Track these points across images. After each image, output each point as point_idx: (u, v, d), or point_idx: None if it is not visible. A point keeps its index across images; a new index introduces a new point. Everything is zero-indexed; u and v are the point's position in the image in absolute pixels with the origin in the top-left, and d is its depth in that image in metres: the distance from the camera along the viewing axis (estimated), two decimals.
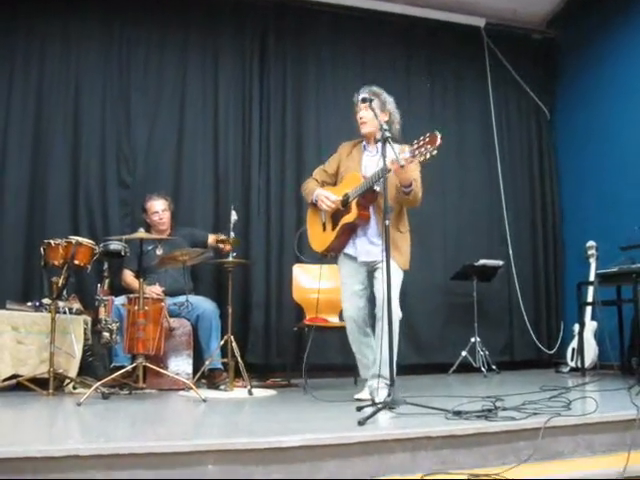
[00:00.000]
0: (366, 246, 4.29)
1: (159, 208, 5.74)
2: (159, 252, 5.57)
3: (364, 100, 4.17)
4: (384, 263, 3.61)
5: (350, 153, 4.48)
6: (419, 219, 6.88)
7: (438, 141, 3.64)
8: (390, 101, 4.41)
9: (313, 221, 4.57)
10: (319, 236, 4.49)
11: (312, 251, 4.70)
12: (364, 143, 4.47)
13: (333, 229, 4.35)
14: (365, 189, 4.10)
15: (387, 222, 3.62)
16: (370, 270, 4.35)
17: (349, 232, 4.33)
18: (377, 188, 4.07)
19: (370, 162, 4.33)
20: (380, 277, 4.07)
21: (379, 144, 4.10)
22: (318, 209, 4.47)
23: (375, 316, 4.25)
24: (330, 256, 4.49)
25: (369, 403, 3.68)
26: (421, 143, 3.73)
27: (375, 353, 4.12)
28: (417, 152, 3.74)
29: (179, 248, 5.28)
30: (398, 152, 3.78)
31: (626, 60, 6.71)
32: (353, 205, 4.21)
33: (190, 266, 5.51)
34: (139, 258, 4.81)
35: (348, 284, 4.37)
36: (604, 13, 7.05)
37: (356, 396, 4.30)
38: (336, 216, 4.34)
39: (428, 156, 3.70)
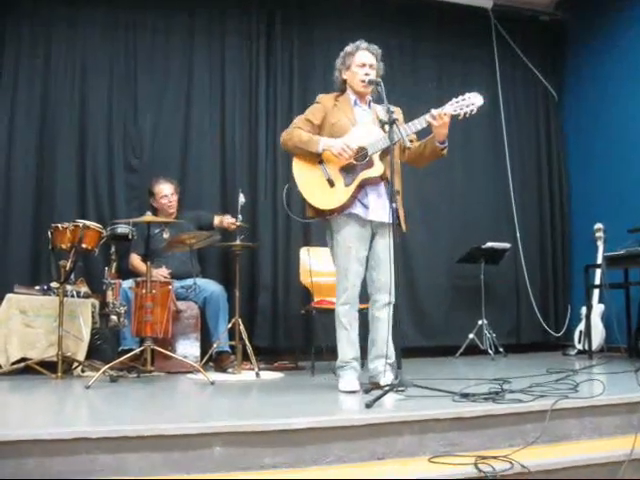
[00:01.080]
0: (377, 204, 3.97)
1: (168, 192, 5.74)
2: (166, 236, 5.57)
3: (372, 54, 4.17)
4: (390, 240, 3.61)
5: (335, 105, 4.15)
6: (426, 202, 6.93)
7: (481, 101, 3.82)
8: (381, 66, 4.26)
9: (312, 176, 4.04)
10: (326, 193, 3.97)
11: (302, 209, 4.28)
12: (355, 98, 4.17)
13: (347, 185, 3.95)
14: (390, 144, 3.73)
15: (394, 205, 3.60)
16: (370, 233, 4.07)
17: (361, 189, 3.96)
18: (409, 145, 3.81)
19: (364, 117, 4.13)
20: (382, 246, 3.99)
21: (371, 102, 4.20)
22: (316, 162, 4.04)
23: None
24: (331, 216, 4.01)
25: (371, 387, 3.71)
26: (461, 102, 3.82)
27: (375, 335, 4.02)
28: (459, 109, 3.82)
29: (186, 231, 5.29)
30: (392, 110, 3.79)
31: (635, 42, 6.66)
32: (376, 159, 3.93)
33: (197, 249, 5.51)
34: (146, 242, 4.83)
35: (354, 249, 3.96)
36: None
37: (342, 388, 3.88)
38: (349, 171, 3.97)
39: (468, 115, 3.83)
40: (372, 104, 4.20)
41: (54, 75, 6.04)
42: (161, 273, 5.31)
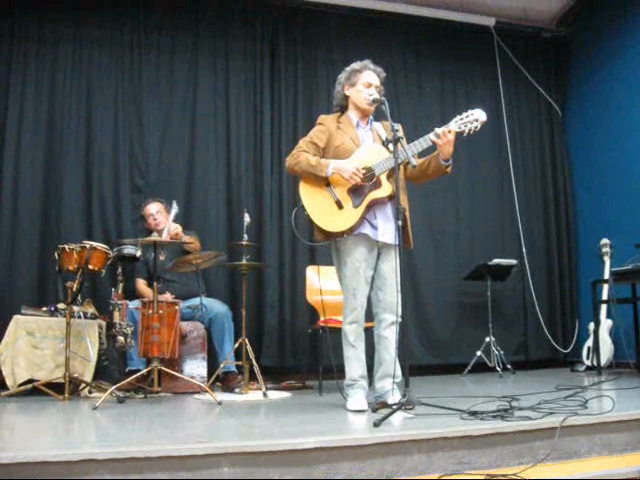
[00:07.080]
0: (386, 225, 3.96)
1: (153, 211, 5.75)
2: (162, 258, 5.52)
3: (377, 76, 4.17)
4: (397, 259, 3.64)
5: (338, 127, 4.13)
6: (432, 220, 6.94)
7: (485, 117, 3.83)
8: (382, 89, 4.24)
9: (320, 199, 4.00)
10: (335, 216, 3.94)
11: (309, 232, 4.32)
12: (357, 120, 4.16)
13: (356, 207, 3.92)
14: (396, 164, 3.67)
15: (400, 223, 3.59)
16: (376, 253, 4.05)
17: (369, 209, 3.94)
18: (415, 163, 3.77)
19: (367, 137, 4.13)
20: (387, 267, 3.99)
21: (372, 120, 4.19)
22: (323, 185, 3.99)
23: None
24: (341, 238, 3.97)
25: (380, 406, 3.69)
26: (465, 119, 3.83)
27: (381, 354, 4.00)
28: (463, 126, 3.83)
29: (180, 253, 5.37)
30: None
31: (637, 56, 6.68)
32: (383, 179, 3.92)
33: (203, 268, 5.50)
34: (153, 262, 4.83)
35: (362, 269, 3.94)
36: (614, 10, 7.04)
37: (351, 407, 3.86)
38: (356, 192, 3.93)
39: (472, 132, 3.85)
40: (372, 123, 4.20)
41: (60, 94, 6.10)
42: (165, 298, 5.25)
